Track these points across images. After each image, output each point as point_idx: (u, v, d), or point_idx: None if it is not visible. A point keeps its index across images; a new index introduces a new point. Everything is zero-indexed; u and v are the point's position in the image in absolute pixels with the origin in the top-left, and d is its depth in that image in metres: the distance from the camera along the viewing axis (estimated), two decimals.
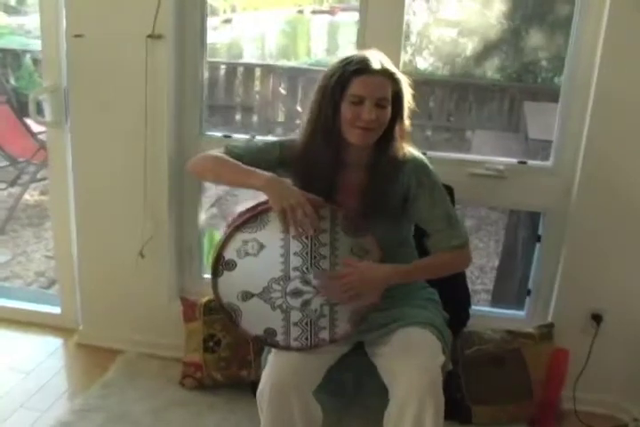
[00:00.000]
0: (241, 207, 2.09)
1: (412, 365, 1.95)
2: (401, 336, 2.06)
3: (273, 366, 1.99)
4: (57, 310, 3.23)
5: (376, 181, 2.07)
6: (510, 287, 3.41)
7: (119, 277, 2.96)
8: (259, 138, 2.25)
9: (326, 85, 1.99)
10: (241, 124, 6.27)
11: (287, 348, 1.99)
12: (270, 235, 1.93)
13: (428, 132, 5.35)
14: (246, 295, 1.97)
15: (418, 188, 2.08)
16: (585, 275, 2.65)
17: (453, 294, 2.42)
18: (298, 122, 5.81)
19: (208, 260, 3.22)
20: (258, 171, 1.96)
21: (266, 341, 2.01)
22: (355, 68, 1.95)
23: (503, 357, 2.61)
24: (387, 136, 2.03)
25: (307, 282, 1.97)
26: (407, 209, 2.11)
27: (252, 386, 2.54)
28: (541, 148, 3.83)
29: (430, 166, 2.13)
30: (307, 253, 1.94)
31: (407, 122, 2.07)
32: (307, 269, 1.95)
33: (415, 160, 2.10)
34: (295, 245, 1.94)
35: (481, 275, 4.28)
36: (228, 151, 2.09)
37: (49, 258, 4.39)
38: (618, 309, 2.64)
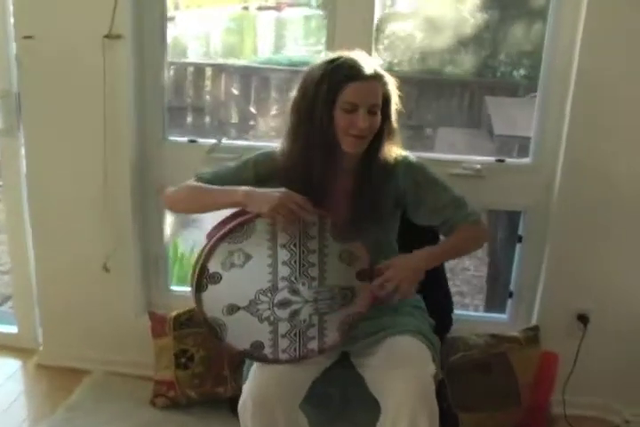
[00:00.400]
0: (216, 216, 2.02)
1: (402, 375, 1.90)
2: (389, 346, 2.01)
3: (256, 379, 1.93)
4: (13, 329, 3.09)
5: (366, 187, 2.05)
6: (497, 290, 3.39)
7: (81, 291, 2.83)
8: (230, 163, 2.20)
9: (316, 93, 1.93)
10: (192, 126, 6.13)
11: (276, 361, 1.93)
12: (257, 244, 1.86)
13: None
14: (232, 309, 1.90)
15: (417, 189, 2.08)
16: (569, 275, 2.62)
17: (436, 299, 2.37)
18: (252, 123, 5.81)
19: (175, 271, 3.12)
20: (230, 187, 1.94)
21: (253, 355, 1.94)
22: (347, 75, 1.91)
23: (489, 362, 2.57)
24: (376, 140, 2.02)
25: (295, 292, 1.91)
26: (407, 213, 2.13)
27: (230, 403, 2.47)
28: (510, 144, 3.81)
29: (421, 163, 2.13)
30: (295, 262, 1.89)
31: (395, 124, 2.05)
32: (295, 278, 1.90)
33: (406, 162, 2.10)
34: (284, 254, 1.88)
35: (452, 277, 4.25)
36: (198, 180, 2.08)
37: (3, 273, 4.22)
38: (604, 308, 2.62)
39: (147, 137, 2.74)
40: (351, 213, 2.04)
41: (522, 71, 3.97)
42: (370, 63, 1.96)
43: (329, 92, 1.91)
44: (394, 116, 2.04)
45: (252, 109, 5.94)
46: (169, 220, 2.93)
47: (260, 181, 2.05)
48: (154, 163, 2.76)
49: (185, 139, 2.77)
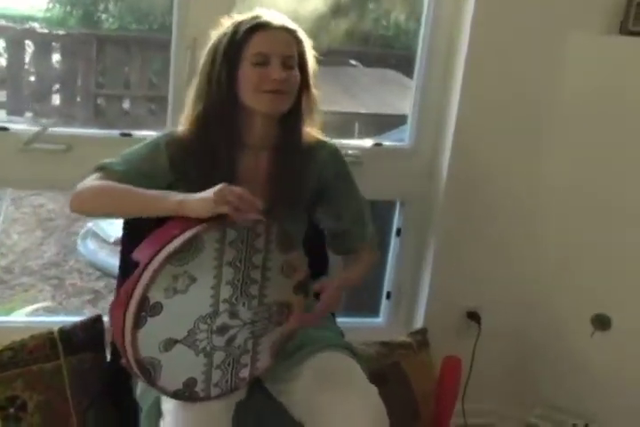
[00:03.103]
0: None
1: (346, 398, 1.81)
2: (318, 365, 1.91)
3: (180, 420, 1.78)
4: None
5: (286, 165, 1.95)
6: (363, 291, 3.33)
7: None
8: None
9: (215, 51, 1.86)
10: None
11: (207, 398, 1.80)
12: (203, 264, 1.68)
13: (126, 105, 5.19)
14: (169, 344, 1.70)
15: (335, 179, 2.02)
16: (454, 269, 2.65)
17: None
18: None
19: None
20: (158, 192, 1.77)
21: (184, 395, 1.77)
22: (253, 24, 1.84)
23: (384, 374, 2.49)
24: (293, 109, 1.92)
25: (234, 315, 1.78)
26: (317, 204, 2.04)
27: None
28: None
29: (342, 154, 2.07)
30: (238, 280, 1.76)
31: (315, 92, 1.94)
32: (236, 298, 1.77)
33: (331, 148, 2.04)
34: (228, 273, 1.73)
35: None
36: (108, 173, 1.86)
37: None
38: (495, 304, 2.67)
39: None
40: (269, 199, 1.87)
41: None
42: (279, 17, 1.89)
43: (231, 45, 1.83)
44: (312, 84, 1.93)
45: None
46: None
47: (172, 164, 1.89)
48: None
49: None
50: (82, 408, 2.31)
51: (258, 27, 1.83)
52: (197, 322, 1.72)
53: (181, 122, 1.92)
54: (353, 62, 4.26)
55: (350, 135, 3.44)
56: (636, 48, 2.46)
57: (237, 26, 1.84)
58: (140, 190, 1.78)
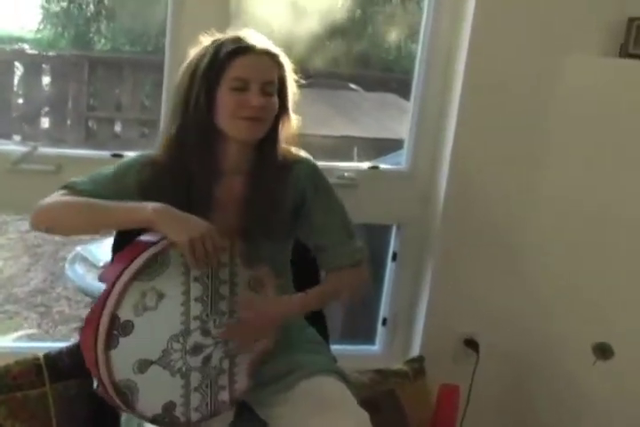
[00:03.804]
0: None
1: (339, 423, 1.82)
2: (308, 389, 1.91)
3: None
4: None
5: (259, 192, 1.94)
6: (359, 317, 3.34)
7: None
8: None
9: (194, 71, 1.85)
10: None
11: (187, 423, 1.79)
12: (171, 280, 1.71)
13: (117, 128, 5.18)
14: (143, 365, 1.70)
15: (315, 193, 2.00)
16: (452, 296, 2.66)
17: None
18: None
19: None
20: (131, 203, 1.78)
21: (164, 420, 1.76)
22: (234, 48, 1.83)
23: (377, 401, 2.50)
24: (270, 135, 1.92)
25: (206, 332, 1.79)
26: (298, 223, 2.02)
27: None
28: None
29: (319, 168, 2.04)
30: (207, 297, 1.78)
31: (294, 117, 1.94)
32: (207, 315, 1.79)
33: (309, 163, 2.02)
34: (196, 289, 1.75)
35: None
36: (73, 192, 1.87)
37: None
38: (493, 331, 2.68)
39: None
40: (241, 226, 1.90)
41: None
42: (262, 40, 1.88)
43: (211, 68, 1.82)
44: (291, 106, 1.94)
45: None
46: None
47: (141, 187, 1.88)
48: None
49: None
50: None
51: (239, 50, 1.83)
52: (170, 341, 1.73)
53: (155, 145, 1.92)
54: (353, 86, 4.29)
55: (349, 159, 3.46)
56: (635, 71, 2.50)
57: (218, 47, 1.83)
58: (110, 202, 1.79)
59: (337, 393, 1.91)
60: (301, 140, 1.99)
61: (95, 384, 1.75)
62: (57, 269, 5.03)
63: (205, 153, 1.88)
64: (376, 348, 2.82)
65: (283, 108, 1.91)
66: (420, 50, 2.57)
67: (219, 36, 1.88)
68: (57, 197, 1.85)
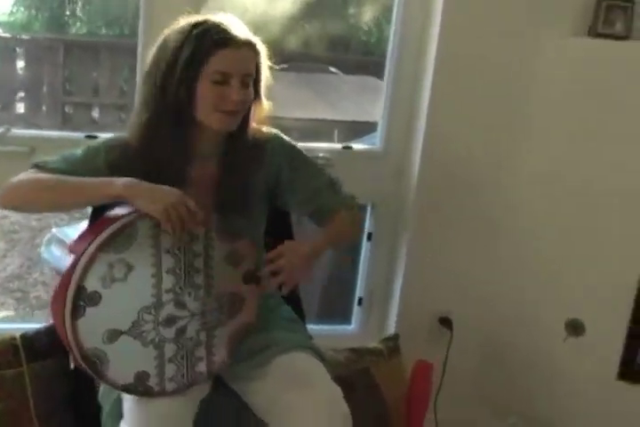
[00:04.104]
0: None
1: (310, 398, 1.88)
2: (283, 365, 1.97)
3: (139, 421, 1.83)
4: None
5: (232, 173, 2.00)
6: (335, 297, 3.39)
7: None
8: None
9: (174, 60, 1.85)
10: None
11: (162, 393, 1.85)
12: (139, 252, 1.76)
13: (95, 113, 5.16)
14: (113, 335, 1.76)
15: (290, 165, 2.07)
16: (427, 274, 2.72)
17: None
18: None
19: None
20: (100, 178, 1.83)
21: (137, 389, 1.82)
22: (218, 40, 1.84)
23: (352, 380, 2.54)
24: (242, 120, 1.97)
25: (181, 305, 1.84)
26: (277, 196, 2.09)
27: None
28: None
29: (292, 142, 2.11)
30: (180, 269, 1.83)
31: (265, 102, 1.99)
32: (180, 288, 1.83)
33: (278, 140, 2.08)
34: (168, 261, 1.80)
35: None
36: (44, 169, 1.92)
37: None
38: (466, 309, 2.75)
39: None
40: (216, 205, 1.96)
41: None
42: (242, 28, 1.90)
43: (193, 59, 1.83)
44: (264, 90, 1.98)
45: None
46: None
47: (111, 167, 1.91)
48: None
49: None
50: (45, 415, 2.33)
51: (221, 42, 1.84)
52: (141, 313, 1.78)
53: (127, 128, 1.95)
54: (333, 69, 4.33)
55: (331, 142, 3.52)
56: (603, 50, 2.57)
57: (200, 37, 1.84)
58: (81, 178, 1.83)
59: (311, 368, 1.97)
60: (280, 123, 2.05)
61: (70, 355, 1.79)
62: (34, 255, 5.02)
63: (179, 140, 1.91)
64: (352, 327, 2.88)
65: (256, 94, 1.95)
66: (392, 30, 2.62)
67: (197, 18, 1.88)
68: (27, 174, 1.89)
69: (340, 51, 3.95)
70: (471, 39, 2.54)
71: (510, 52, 2.59)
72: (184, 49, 1.83)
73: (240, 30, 1.88)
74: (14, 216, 5.55)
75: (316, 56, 3.97)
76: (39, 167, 1.91)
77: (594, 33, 2.60)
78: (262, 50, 1.92)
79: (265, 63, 1.94)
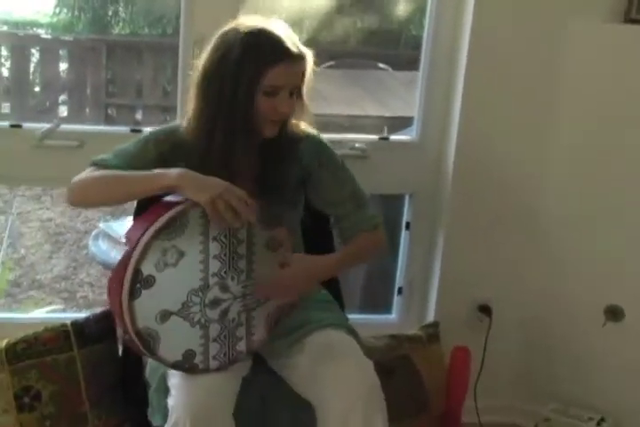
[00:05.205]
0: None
1: (343, 370, 2.05)
2: (319, 340, 2.15)
3: (189, 393, 1.99)
4: None
5: (272, 165, 2.17)
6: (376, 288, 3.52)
7: None
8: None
9: (238, 74, 2.00)
10: None
11: (206, 370, 2.02)
12: (190, 239, 1.92)
13: (138, 116, 5.32)
14: (165, 315, 1.93)
15: (320, 169, 2.22)
16: (465, 263, 2.86)
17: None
18: None
19: None
20: (157, 170, 1.98)
21: (184, 366, 1.99)
22: (274, 56, 1.99)
23: (392, 366, 2.68)
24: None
25: (225, 288, 2.01)
26: (306, 192, 2.26)
27: None
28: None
29: (329, 145, 2.26)
30: (225, 255, 1.98)
31: (307, 102, 2.13)
32: (225, 272, 2.00)
33: (314, 140, 2.23)
34: (215, 248, 1.96)
35: None
36: (103, 167, 2.09)
37: None
38: (506, 297, 2.89)
39: None
40: (258, 194, 2.08)
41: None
42: (292, 39, 2.03)
43: (254, 75, 1.98)
44: (306, 92, 2.12)
45: None
46: None
47: (161, 160, 2.09)
48: None
49: (5, 123, 2.66)
50: (95, 397, 2.52)
51: (279, 59, 1.98)
52: (190, 295, 1.95)
53: (183, 118, 2.12)
54: (382, 66, 4.48)
55: None
56: (638, 36, 2.68)
57: (256, 49, 1.98)
58: (136, 171, 2.01)
59: (343, 343, 2.14)
60: (329, 120, 2.20)
61: (121, 332, 1.98)
62: (80, 256, 5.22)
63: (231, 141, 2.07)
64: (393, 316, 3.03)
65: (300, 96, 2.11)
66: (426, 24, 2.78)
67: (250, 25, 2.00)
68: (87, 173, 2.07)
69: (391, 47, 4.08)
70: (503, 31, 2.68)
71: (543, 40, 2.71)
72: (244, 64, 1.98)
73: (292, 41, 2.02)
74: (59, 219, 5.76)
75: (365, 53, 4.17)
76: (98, 165, 2.08)
77: (628, 19, 2.70)
78: (310, 58, 2.06)
79: (310, 69, 2.07)
